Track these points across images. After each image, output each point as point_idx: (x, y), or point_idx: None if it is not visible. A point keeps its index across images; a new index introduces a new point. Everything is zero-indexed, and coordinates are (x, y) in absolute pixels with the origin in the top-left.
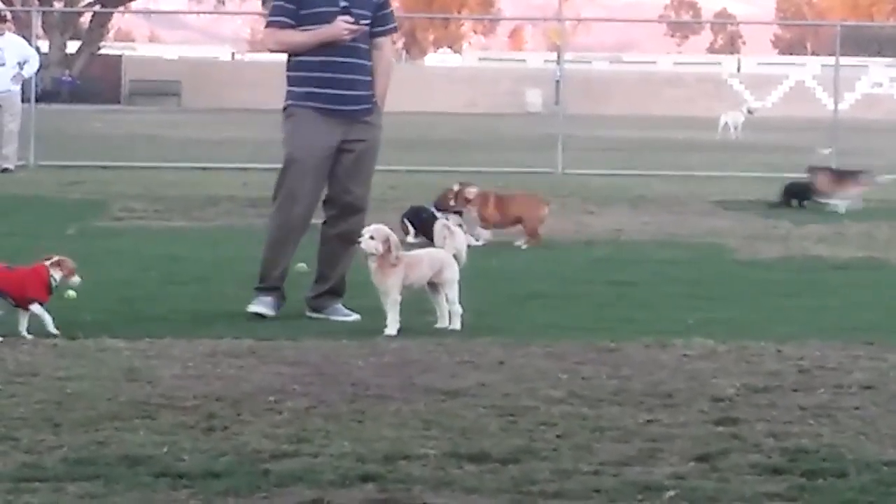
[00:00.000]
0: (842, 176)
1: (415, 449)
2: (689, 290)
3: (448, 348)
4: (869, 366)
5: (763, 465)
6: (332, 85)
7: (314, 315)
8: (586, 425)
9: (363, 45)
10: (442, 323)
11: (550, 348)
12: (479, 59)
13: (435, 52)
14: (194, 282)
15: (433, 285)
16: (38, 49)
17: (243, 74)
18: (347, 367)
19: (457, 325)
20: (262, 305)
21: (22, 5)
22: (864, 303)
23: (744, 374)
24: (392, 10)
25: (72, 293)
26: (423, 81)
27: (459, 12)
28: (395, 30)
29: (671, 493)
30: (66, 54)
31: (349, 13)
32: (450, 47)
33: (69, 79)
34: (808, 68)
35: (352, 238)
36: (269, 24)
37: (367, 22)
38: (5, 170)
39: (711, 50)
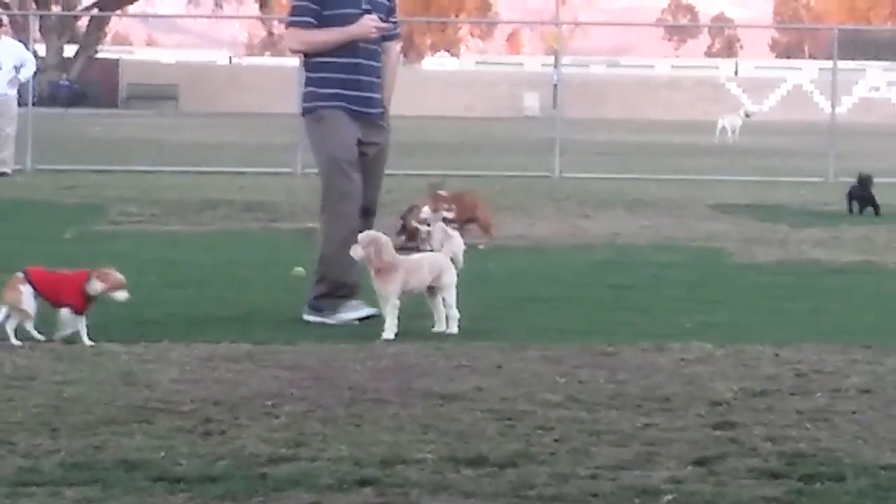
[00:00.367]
0: None
1: (412, 453)
2: (686, 294)
3: (445, 352)
4: (866, 370)
5: (760, 469)
6: (357, 87)
7: (312, 318)
8: (584, 429)
9: (379, 49)
10: (439, 327)
11: (548, 352)
12: (477, 62)
13: (432, 55)
14: (191, 286)
15: (430, 289)
16: (35, 53)
17: (241, 78)
18: (345, 371)
19: (454, 329)
20: (360, 309)
21: (19, 9)
22: (861, 306)
23: (741, 377)
24: (398, 16)
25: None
26: (421, 85)
27: (457, 16)
28: (401, 35)
29: (669, 497)
30: (64, 58)
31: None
32: (447, 51)
33: (66, 83)
34: (806, 72)
35: None
36: (292, 24)
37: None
38: (3, 174)
39: (709, 54)
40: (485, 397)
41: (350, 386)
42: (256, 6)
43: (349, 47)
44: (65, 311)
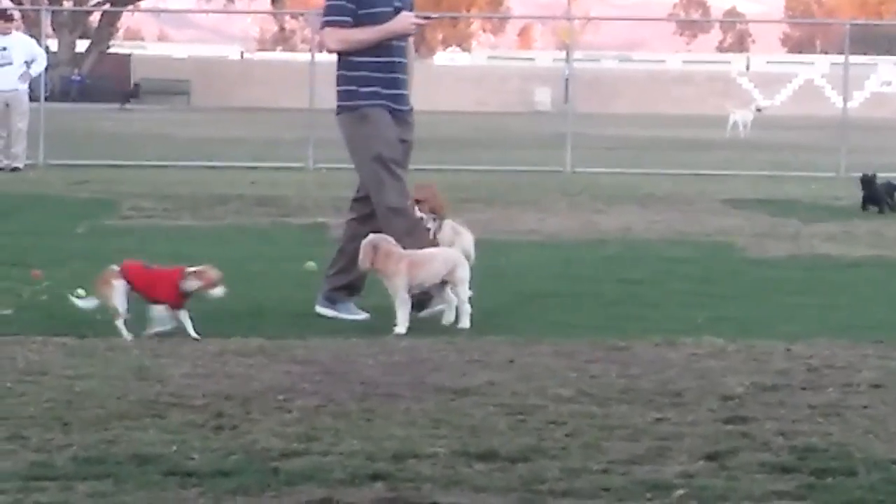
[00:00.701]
0: None
1: (424, 448)
2: (697, 289)
3: (457, 347)
4: (878, 364)
5: (772, 464)
6: (394, 85)
7: (324, 312)
8: (595, 424)
9: (405, 46)
10: (449, 317)
11: (559, 347)
12: (488, 57)
13: (444, 50)
14: None
15: (442, 282)
16: (47, 48)
17: (252, 73)
18: (357, 366)
19: (466, 323)
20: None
21: (31, 4)
22: (873, 301)
23: (753, 372)
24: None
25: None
26: (432, 80)
27: (468, 11)
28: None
29: (680, 491)
30: (76, 53)
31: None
32: (459, 46)
33: (78, 78)
34: (818, 67)
35: None
36: (328, 24)
37: None
38: (15, 169)
39: (720, 48)
40: (497, 392)
41: (362, 380)
42: (268, 1)
43: (386, 46)
44: (158, 308)
